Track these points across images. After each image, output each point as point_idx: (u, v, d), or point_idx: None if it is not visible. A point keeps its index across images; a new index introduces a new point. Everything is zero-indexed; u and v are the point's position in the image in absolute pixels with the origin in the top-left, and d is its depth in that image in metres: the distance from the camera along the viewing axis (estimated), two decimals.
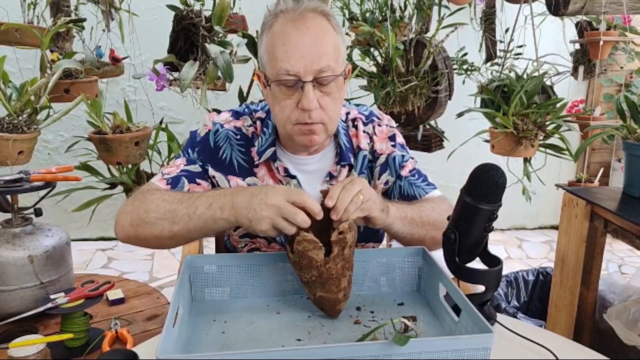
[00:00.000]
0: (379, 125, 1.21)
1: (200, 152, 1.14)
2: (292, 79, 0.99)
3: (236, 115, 1.18)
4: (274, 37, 1.00)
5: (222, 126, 1.15)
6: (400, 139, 1.24)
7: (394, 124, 1.25)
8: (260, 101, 1.37)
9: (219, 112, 1.23)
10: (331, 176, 1.15)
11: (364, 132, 1.19)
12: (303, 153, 1.14)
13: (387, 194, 1.22)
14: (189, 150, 1.15)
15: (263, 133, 1.14)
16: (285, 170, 1.13)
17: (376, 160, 1.20)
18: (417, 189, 1.19)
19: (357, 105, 1.27)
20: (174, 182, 1.10)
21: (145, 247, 1.06)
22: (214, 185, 1.16)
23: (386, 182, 1.21)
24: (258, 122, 1.17)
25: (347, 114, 1.21)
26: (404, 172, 1.20)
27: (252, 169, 1.15)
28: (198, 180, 1.13)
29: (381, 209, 0.97)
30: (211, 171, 1.14)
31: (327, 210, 0.90)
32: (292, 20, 1.00)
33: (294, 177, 1.13)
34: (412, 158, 1.23)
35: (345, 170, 1.16)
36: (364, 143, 1.18)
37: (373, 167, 1.20)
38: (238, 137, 1.15)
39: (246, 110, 1.20)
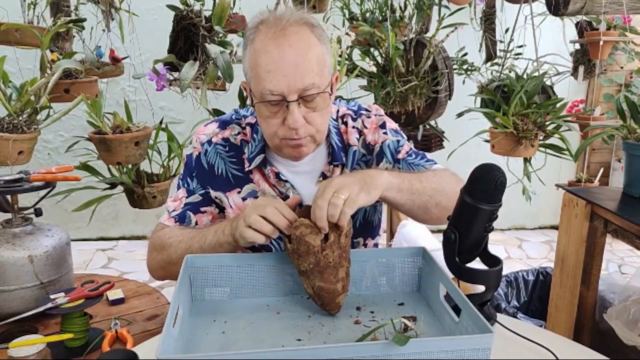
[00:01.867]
0: (368, 117, 1.20)
1: (199, 177, 1.16)
2: (277, 99, 0.99)
3: (223, 125, 1.18)
4: (256, 54, 0.99)
5: (210, 144, 1.16)
6: (391, 124, 1.21)
7: (382, 112, 1.23)
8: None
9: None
10: (324, 176, 1.15)
11: (353, 127, 1.18)
12: None
13: None
14: (188, 180, 1.17)
15: (253, 139, 1.14)
16: (277, 175, 1.13)
17: (372, 152, 1.18)
18: (417, 167, 1.16)
19: (347, 101, 1.26)
20: (181, 219, 1.15)
21: None
22: (219, 206, 1.18)
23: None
24: (248, 128, 1.16)
25: (337, 111, 1.21)
26: (401, 155, 1.17)
27: (248, 175, 1.15)
28: (202, 209, 1.16)
29: (367, 193, 0.92)
30: (212, 193, 1.16)
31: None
32: (273, 37, 0.97)
33: (286, 180, 1.13)
34: (409, 141, 1.21)
35: (338, 170, 1.15)
36: (353, 138, 1.17)
37: (370, 160, 1.18)
38: (227, 148, 1.16)
39: (234, 117, 1.19)
